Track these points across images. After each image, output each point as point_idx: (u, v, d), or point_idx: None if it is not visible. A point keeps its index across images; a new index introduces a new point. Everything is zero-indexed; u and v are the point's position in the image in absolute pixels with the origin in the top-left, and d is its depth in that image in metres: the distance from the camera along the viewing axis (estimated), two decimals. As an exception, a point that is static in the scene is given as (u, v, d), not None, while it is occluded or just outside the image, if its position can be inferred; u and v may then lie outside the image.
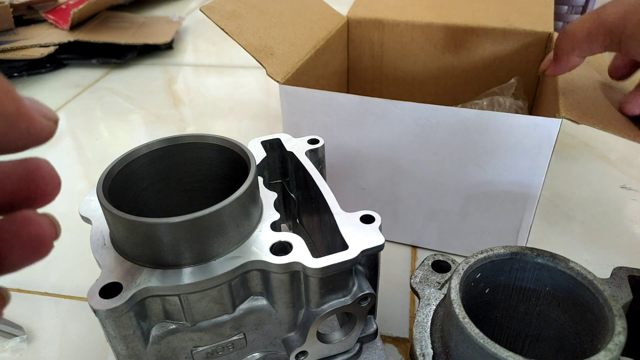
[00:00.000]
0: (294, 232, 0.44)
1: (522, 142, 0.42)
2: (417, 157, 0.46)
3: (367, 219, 0.32)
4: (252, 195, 0.31)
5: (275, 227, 0.32)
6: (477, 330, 0.27)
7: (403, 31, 0.63)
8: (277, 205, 0.33)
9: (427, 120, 0.43)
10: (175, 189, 0.36)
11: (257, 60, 0.47)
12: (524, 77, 0.60)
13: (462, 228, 0.49)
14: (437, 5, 0.64)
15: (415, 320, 0.32)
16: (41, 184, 0.21)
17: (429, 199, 0.49)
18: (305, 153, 0.39)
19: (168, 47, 1.08)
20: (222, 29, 0.47)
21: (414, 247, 0.53)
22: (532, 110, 0.61)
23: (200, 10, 0.47)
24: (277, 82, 0.47)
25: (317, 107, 0.47)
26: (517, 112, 0.57)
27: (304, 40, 0.54)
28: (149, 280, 0.28)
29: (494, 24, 0.59)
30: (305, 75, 0.52)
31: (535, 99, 0.61)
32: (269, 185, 0.42)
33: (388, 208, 0.51)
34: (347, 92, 0.71)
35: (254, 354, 0.34)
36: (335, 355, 0.34)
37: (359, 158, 0.49)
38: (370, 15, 0.64)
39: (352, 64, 0.69)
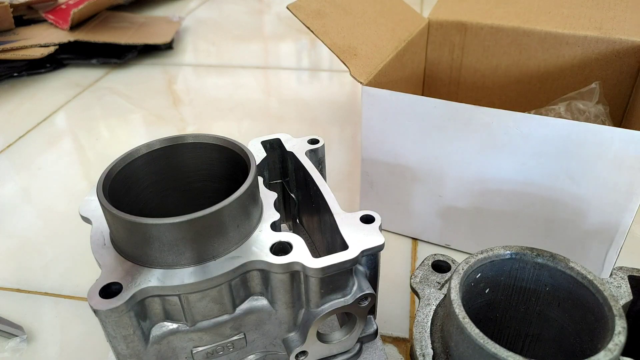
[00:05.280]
0: (294, 232, 0.44)
1: (621, 157, 0.39)
2: (503, 166, 0.44)
3: (367, 219, 0.32)
4: (252, 195, 0.31)
5: (275, 227, 0.32)
6: (477, 330, 0.27)
7: (487, 35, 0.62)
8: (277, 205, 0.33)
9: (518, 129, 0.42)
10: (175, 189, 0.36)
11: (341, 60, 0.47)
12: (617, 87, 0.58)
13: (545, 243, 0.47)
14: (525, 9, 0.62)
15: (415, 320, 0.32)
16: None
17: (511, 211, 0.47)
18: (305, 153, 0.39)
19: (168, 47, 1.08)
20: (308, 28, 0.47)
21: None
22: (622, 122, 0.59)
23: (288, 8, 0.47)
24: (360, 83, 0.47)
25: (399, 110, 0.46)
26: (602, 120, 0.55)
27: (386, 42, 0.53)
28: (149, 280, 0.28)
29: (586, 32, 0.57)
30: (385, 77, 0.52)
31: (627, 111, 0.59)
32: (269, 185, 0.42)
33: (465, 218, 0.50)
34: (422, 95, 0.68)
35: (254, 354, 0.34)
36: (335, 355, 0.34)
37: (438, 164, 0.47)
38: (453, 18, 0.63)
39: (429, 67, 0.68)
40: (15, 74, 0.96)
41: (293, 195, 0.42)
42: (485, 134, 0.43)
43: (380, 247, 0.30)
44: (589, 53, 0.58)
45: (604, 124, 0.55)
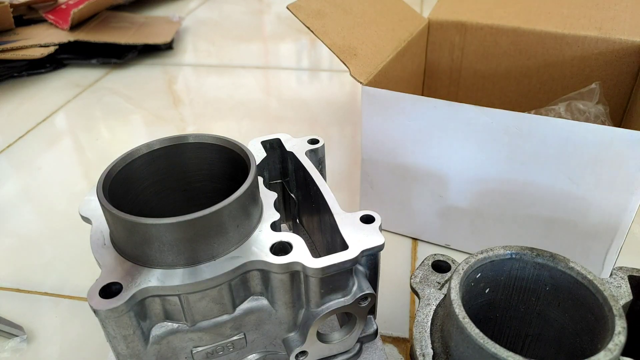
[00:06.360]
0: (294, 232, 0.44)
1: (621, 157, 0.39)
2: (503, 166, 0.44)
3: (367, 219, 0.32)
4: (252, 195, 0.31)
5: (275, 227, 0.32)
6: (477, 330, 0.27)
7: (487, 35, 0.62)
8: (277, 205, 0.33)
9: (517, 129, 0.42)
10: (175, 189, 0.36)
11: (341, 60, 0.47)
12: (617, 87, 0.58)
13: (545, 243, 0.47)
14: (525, 9, 0.62)
15: (415, 320, 0.32)
16: None
17: (512, 212, 0.47)
18: (305, 153, 0.39)
19: (168, 47, 1.08)
20: (308, 28, 0.47)
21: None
22: (622, 122, 0.59)
23: (288, 8, 0.47)
24: (360, 83, 0.47)
25: (399, 110, 0.46)
26: (602, 120, 0.55)
27: (386, 42, 0.53)
28: (149, 280, 0.28)
29: (586, 32, 0.57)
30: (385, 77, 0.52)
31: (627, 111, 0.59)
32: (269, 185, 0.42)
33: (465, 218, 0.50)
34: (422, 95, 0.69)
35: (254, 354, 0.34)
36: (335, 355, 0.34)
37: (438, 164, 0.48)
38: (453, 18, 0.63)
39: (429, 67, 0.68)
40: (15, 74, 0.95)
41: (293, 195, 0.42)
42: (485, 134, 0.43)
43: (380, 247, 0.30)
44: (589, 53, 0.58)
45: (604, 124, 0.55)
